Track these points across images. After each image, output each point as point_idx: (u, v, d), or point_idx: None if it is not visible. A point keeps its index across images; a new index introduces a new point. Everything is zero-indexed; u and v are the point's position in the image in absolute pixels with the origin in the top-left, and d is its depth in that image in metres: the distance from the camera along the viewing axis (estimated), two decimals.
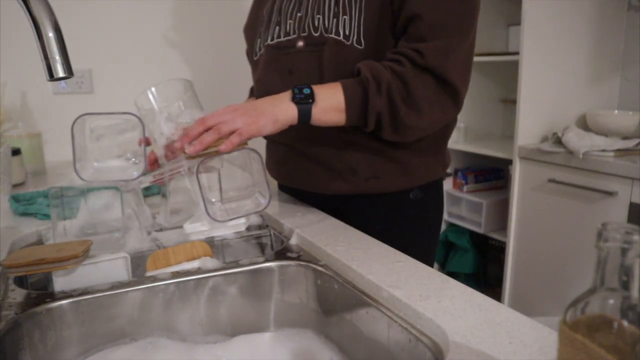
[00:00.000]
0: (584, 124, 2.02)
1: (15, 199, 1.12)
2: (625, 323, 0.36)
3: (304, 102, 0.86)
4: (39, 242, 0.95)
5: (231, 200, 0.96)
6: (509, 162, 2.06)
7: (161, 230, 0.94)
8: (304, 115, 0.86)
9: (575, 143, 1.79)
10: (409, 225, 1.05)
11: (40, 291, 0.71)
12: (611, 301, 0.36)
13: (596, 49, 2.02)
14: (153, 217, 0.98)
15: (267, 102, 0.87)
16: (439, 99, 0.90)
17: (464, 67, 0.91)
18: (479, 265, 2.44)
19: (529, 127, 1.97)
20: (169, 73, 2.01)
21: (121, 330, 0.72)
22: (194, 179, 0.85)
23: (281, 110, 0.86)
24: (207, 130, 0.82)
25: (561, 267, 1.86)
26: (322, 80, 0.94)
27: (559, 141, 1.89)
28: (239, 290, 0.79)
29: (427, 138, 0.99)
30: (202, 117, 0.84)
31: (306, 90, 0.86)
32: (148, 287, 0.73)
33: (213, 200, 0.95)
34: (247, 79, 1.26)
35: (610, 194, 1.67)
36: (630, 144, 1.76)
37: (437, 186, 1.09)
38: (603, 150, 1.74)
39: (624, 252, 0.35)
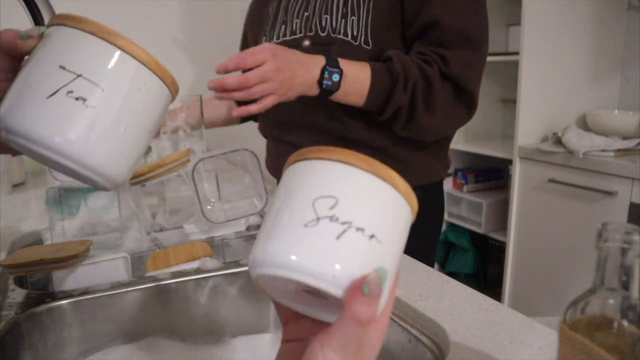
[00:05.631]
0: (584, 124, 2.02)
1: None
2: (625, 323, 0.36)
3: (330, 88, 0.86)
4: (39, 242, 0.95)
5: (229, 201, 0.96)
6: (509, 162, 2.06)
7: (161, 230, 0.94)
8: (324, 97, 0.87)
9: (575, 143, 1.79)
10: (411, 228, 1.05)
11: (40, 291, 0.71)
12: (611, 301, 0.36)
13: (596, 48, 2.02)
14: (152, 217, 0.98)
15: (300, 78, 0.83)
16: (455, 106, 0.92)
17: (480, 79, 0.93)
18: (479, 265, 2.43)
19: (529, 127, 1.97)
20: (173, 72, 2.00)
21: (121, 330, 0.72)
22: (191, 180, 0.85)
23: (306, 90, 0.85)
24: (245, 82, 0.79)
25: (561, 267, 1.86)
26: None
27: (559, 141, 1.89)
28: (239, 290, 0.79)
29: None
30: (245, 58, 0.79)
31: (335, 77, 0.85)
32: (148, 287, 0.73)
33: (212, 200, 0.95)
34: None
35: (610, 194, 1.67)
36: (631, 144, 1.76)
37: (438, 188, 1.09)
38: (603, 150, 1.74)
39: (624, 252, 0.35)
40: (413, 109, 0.89)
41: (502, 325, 0.56)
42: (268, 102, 0.81)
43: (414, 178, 1.01)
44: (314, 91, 0.86)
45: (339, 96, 0.88)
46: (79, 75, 0.36)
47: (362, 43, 0.92)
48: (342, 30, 0.93)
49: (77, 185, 0.86)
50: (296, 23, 0.99)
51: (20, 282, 0.78)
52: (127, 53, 0.38)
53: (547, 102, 1.98)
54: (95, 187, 0.42)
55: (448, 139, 1.06)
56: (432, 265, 1.09)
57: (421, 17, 0.89)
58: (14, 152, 0.43)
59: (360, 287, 0.30)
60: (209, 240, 0.87)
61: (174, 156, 0.86)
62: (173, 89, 0.42)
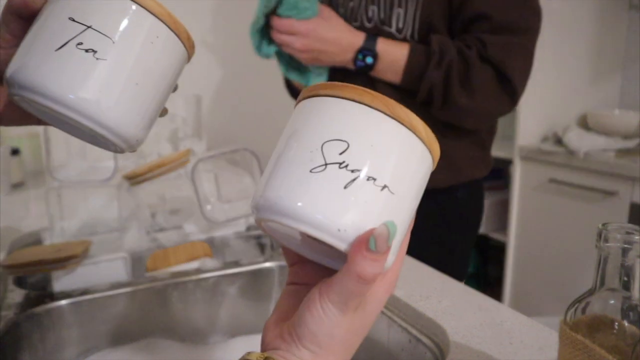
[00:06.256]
0: (584, 124, 2.02)
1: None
2: (625, 323, 0.36)
3: (363, 69, 0.91)
4: (38, 242, 0.95)
5: (229, 201, 0.96)
6: (509, 162, 2.06)
7: (161, 230, 0.94)
8: (359, 73, 0.93)
9: (576, 143, 1.78)
10: (453, 226, 1.04)
11: (39, 291, 0.71)
12: (612, 301, 0.36)
13: (597, 48, 2.02)
14: (152, 217, 0.98)
15: (329, 56, 0.91)
16: (496, 89, 0.91)
17: (523, 67, 0.92)
18: (479, 265, 2.43)
19: (529, 127, 1.97)
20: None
21: (121, 331, 0.72)
22: (191, 180, 0.85)
23: (341, 64, 0.93)
24: (275, 37, 0.92)
25: (561, 267, 1.86)
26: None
27: (559, 141, 1.88)
28: (238, 290, 0.79)
29: (476, 132, 1.00)
30: (296, 23, 0.90)
31: (369, 60, 0.90)
32: (148, 287, 0.73)
33: (212, 200, 0.95)
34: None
35: (611, 193, 1.67)
36: (631, 143, 1.76)
37: (479, 186, 1.08)
38: (604, 150, 1.74)
39: (624, 252, 0.35)
40: (448, 88, 0.89)
41: (503, 325, 0.56)
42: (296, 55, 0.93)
43: (460, 175, 1.01)
44: (350, 67, 0.93)
45: (374, 73, 0.92)
46: (88, 27, 0.35)
47: (408, 36, 0.92)
48: (387, 22, 0.93)
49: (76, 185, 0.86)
50: (341, 12, 0.99)
51: (20, 283, 0.78)
52: (139, 4, 0.37)
53: (548, 102, 1.98)
54: (108, 148, 0.40)
55: (491, 134, 1.05)
56: (466, 270, 1.08)
57: (466, 12, 0.89)
58: (29, 121, 0.42)
59: (366, 242, 0.28)
60: (208, 240, 0.87)
61: (174, 156, 0.86)
62: (188, 45, 0.40)
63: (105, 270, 0.75)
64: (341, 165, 0.28)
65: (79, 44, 0.35)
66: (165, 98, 0.41)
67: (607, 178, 1.68)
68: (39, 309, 0.67)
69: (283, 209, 0.28)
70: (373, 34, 0.94)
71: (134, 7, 0.36)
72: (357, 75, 0.95)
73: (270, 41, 0.97)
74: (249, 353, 0.31)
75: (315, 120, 0.30)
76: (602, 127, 1.89)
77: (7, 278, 0.75)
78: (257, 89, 1.94)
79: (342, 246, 0.28)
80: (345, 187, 0.28)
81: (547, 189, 1.88)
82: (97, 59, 0.35)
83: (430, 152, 0.31)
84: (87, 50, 0.35)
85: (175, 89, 0.43)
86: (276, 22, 0.90)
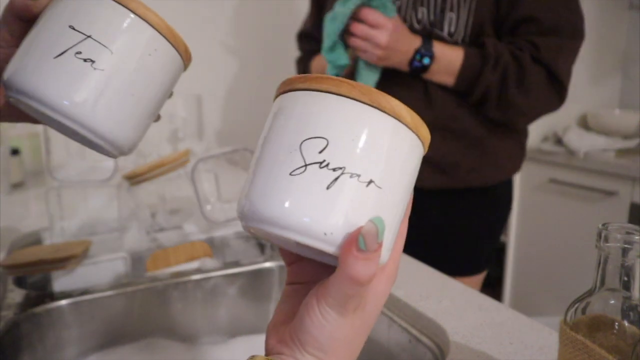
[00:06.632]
0: (584, 124, 2.02)
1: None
2: (625, 323, 0.36)
3: (418, 70, 0.93)
4: (38, 242, 0.95)
5: (229, 201, 0.96)
6: None
7: (161, 230, 0.94)
8: (412, 75, 0.94)
9: (576, 143, 1.78)
10: (489, 221, 1.06)
11: (39, 291, 0.71)
12: (612, 301, 0.36)
13: (597, 48, 2.02)
14: (152, 217, 0.98)
15: (398, 56, 0.91)
16: (547, 90, 0.94)
17: (570, 67, 0.95)
18: None
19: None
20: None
21: (121, 331, 0.72)
22: (191, 180, 0.85)
23: (398, 66, 0.93)
24: (353, 28, 0.90)
25: (562, 267, 1.86)
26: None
27: (559, 141, 1.88)
28: (238, 290, 0.79)
29: (518, 131, 1.03)
30: (376, 28, 0.88)
31: (426, 61, 0.91)
32: (148, 287, 0.73)
33: (212, 200, 0.95)
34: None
35: (611, 193, 1.67)
36: (632, 143, 1.76)
37: (511, 183, 1.11)
38: (604, 150, 1.74)
39: (624, 252, 0.35)
40: (504, 89, 0.91)
41: (503, 325, 0.56)
42: (366, 56, 0.92)
43: (503, 173, 1.03)
44: (404, 68, 0.93)
45: (427, 75, 0.93)
46: (88, 37, 0.35)
47: (459, 40, 0.93)
48: (437, 25, 0.94)
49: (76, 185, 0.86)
50: None
51: (19, 283, 0.78)
52: (139, 16, 0.37)
53: None
54: (102, 153, 0.41)
55: (526, 133, 1.09)
56: (486, 262, 1.09)
57: (514, 14, 0.91)
58: (27, 119, 0.43)
59: (356, 242, 0.26)
60: (208, 240, 0.87)
61: (173, 156, 0.86)
62: (185, 57, 0.41)
63: (105, 270, 0.75)
64: (322, 164, 0.27)
65: (77, 52, 0.35)
66: (160, 106, 0.41)
67: (607, 178, 1.68)
68: (39, 309, 0.67)
69: (266, 217, 0.27)
70: (423, 36, 0.94)
71: (133, 18, 0.37)
72: (409, 76, 0.96)
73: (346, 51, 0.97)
74: (253, 357, 0.30)
75: (292, 117, 0.29)
76: (602, 127, 1.89)
77: (7, 278, 0.75)
78: (258, 89, 1.94)
79: (330, 250, 0.27)
80: (327, 188, 0.27)
81: (547, 189, 1.88)
82: (94, 68, 0.35)
83: (418, 137, 0.30)
84: (85, 60, 0.35)
85: (170, 95, 0.43)
86: (366, 12, 0.89)
